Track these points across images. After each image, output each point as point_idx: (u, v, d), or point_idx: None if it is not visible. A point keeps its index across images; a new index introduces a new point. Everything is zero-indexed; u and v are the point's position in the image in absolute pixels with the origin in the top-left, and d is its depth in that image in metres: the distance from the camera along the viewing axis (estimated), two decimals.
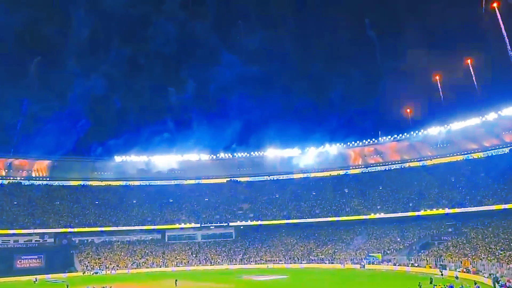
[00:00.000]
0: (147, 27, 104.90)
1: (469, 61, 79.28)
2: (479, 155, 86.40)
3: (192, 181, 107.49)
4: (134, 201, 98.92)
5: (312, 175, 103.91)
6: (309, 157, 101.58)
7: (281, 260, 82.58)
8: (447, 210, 76.04)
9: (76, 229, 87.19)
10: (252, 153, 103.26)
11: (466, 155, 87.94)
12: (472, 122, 78.81)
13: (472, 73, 78.49)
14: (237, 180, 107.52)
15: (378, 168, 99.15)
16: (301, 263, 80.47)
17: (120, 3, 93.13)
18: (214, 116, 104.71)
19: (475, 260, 58.41)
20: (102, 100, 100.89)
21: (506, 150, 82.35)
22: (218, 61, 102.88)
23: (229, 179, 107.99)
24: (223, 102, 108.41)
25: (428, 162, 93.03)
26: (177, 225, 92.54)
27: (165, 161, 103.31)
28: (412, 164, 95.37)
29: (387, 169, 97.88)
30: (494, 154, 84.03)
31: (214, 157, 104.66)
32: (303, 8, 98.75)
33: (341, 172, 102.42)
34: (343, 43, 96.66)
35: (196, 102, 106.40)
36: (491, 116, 75.56)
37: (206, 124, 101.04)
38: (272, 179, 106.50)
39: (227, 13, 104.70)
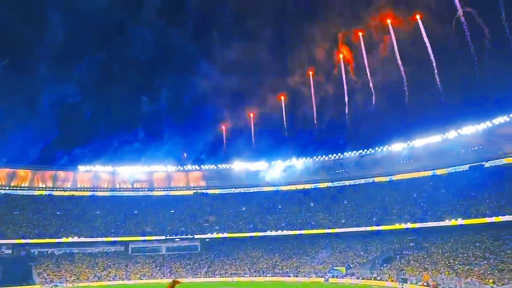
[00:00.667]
0: (119, 34, 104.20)
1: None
2: (440, 172, 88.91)
3: (158, 193, 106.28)
4: (98, 212, 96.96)
5: (279, 188, 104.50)
6: (276, 171, 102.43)
7: (246, 273, 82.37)
8: (409, 225, 77.83)
9: (35, 240, 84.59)
10: (219, 165, 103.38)
11: (428, 172, 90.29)
12: (433, 139, 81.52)
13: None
14: (203, 193, 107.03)
15: (344, 183, 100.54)
16: (266, 276, 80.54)
17: (93, 8, 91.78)
18: (183, 127, 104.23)
19: (435, 274, 59.99)
20: (69, 108, 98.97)
21: (466, 167, 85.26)
22: (190, 72, 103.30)
23: (195, 191, 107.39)
24: (192, 113, 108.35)
25: (392, 178, 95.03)
26: (141, 237, 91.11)
27: (131, 172, 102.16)
28: (376, 179, 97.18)
29: (352, 184, 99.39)
30: (454, 171, 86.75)
31: (181, 168, 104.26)
32: (279, 20, 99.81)
33: (307, 186, 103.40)
34: (316, 58, 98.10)
35: (165, 113, 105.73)
36: (452, 134, 78.49)
37: (174, 136, 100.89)
38: (239, 192, 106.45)
39: (201, 23, 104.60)
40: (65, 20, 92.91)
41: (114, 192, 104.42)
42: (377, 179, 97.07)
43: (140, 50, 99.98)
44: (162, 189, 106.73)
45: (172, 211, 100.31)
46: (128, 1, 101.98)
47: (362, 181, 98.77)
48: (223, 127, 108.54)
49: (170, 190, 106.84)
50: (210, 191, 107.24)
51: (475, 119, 74.67)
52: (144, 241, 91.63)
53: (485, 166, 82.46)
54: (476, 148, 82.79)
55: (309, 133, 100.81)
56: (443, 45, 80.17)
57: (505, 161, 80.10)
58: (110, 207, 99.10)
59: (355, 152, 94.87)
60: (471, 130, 76.04)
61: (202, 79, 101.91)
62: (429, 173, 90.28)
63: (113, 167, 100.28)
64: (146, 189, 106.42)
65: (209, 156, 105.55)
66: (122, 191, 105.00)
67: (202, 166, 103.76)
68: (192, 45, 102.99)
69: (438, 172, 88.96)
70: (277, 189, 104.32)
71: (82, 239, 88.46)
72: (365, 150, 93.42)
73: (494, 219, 67.10)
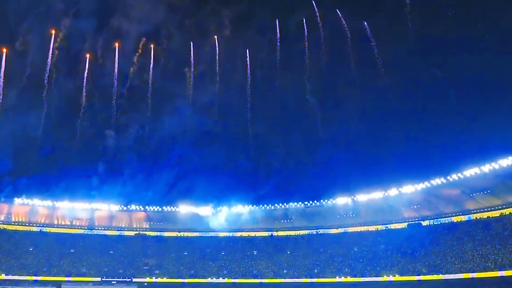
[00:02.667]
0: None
1: None
2: (381, 227, 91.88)
3: (99, 232, 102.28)
4: (31, 249, 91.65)
5: (223, 234, 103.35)
6: (221, 217, 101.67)
7: None
8: (349, 279, 79.15)
9: None
10: (164, 207, 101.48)
11: (369, 227, 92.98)
12: (376, 195, 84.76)
13: None
14: (146, 234, 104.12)
15: (288, 233, 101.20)
16: None
17: None
18: (130, 166, 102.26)
19: None
20: (9, 137, 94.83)
21: (405, 224, 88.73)
22: (143, 112, 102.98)
23: (137, 232, 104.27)
24: (142, 153, 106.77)
25: (335, 231, 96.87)
26: (75, 278, 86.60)
27: (71, 208, 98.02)
28: (320, 231, 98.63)
29: (296, 234, 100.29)
30: (394, 228, 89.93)
31: (125, 208, 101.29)
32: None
33: (252, 234, 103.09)
34: (282, 107, 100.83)
35: (113, 151, 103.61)
36: (393, 191, 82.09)
37: (119, 174, 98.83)
38: (182, 235, 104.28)
39: None
40: None
41: (51, 228, 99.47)
42: (320, 231, 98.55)
43: None
44: (103, 228, 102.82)
45: (111, 252, 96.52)
46: None
47: (306, 232, 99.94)
48: (169, 168, 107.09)
49: (111, 230, 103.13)
50: (152, 233, 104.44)
51: (415, 179, 78.73)
52: (77, 282, 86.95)
53: (423, 224, 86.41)
54: (415, 206, 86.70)
55: (256, 181, 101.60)
56: None
57: (441, 220, 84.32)
58: (45, 244, 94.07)
59: (300, 203, 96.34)
60: (411, 189, 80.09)
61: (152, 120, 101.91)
62: (371, 228, 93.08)
63: (52, 202, 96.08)
64: (86, 227, 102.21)
65: (154, 197, 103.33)
66: (60, 227, 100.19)
67: (147, 207, 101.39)
68: None
69: (379, 227, 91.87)
70: (221, 235, 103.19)
71: (10, 277, 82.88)
72: (311, 202, 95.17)
73: (429, 277, 69.60)
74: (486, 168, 69.90)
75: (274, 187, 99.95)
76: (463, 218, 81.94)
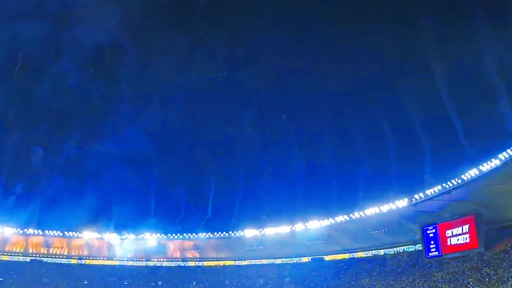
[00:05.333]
0: None
1: None
2: (286, 261, 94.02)
3: None
4: None
5: (127, 263, 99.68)
6: (127, 244, 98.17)
7: None
8: None
9: None
10: (66, 232, 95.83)
11: (275, 260, 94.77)
12: (283, 229, 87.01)
13: None
14: (42, 260, 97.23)
15: (195, 264, 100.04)
16: None
17: None
18: (28, 186, 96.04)
19: None
20: None
21: (309, 259, 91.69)
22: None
23: (33, 258, 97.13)
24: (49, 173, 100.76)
25: (242, 263, 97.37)
26: None
27: None
28: (227, 263, 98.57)
29: (203, 265, 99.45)
30: (299, 261, 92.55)
31: (21, 231, 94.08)
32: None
33: (158, 264, 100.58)
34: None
35: (13, 168, 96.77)
36: (299, 226, 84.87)
37: (16, 194, 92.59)
38: (83, 263, 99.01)
39: None
40: None
41: None
42: (228, 263, 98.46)
43: None
44: None
45: (1, 279, 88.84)
46: None
47: (214, 263, 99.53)
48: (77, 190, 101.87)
49: (3, 255, 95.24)
50: (49, 259, 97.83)
51: (319, 215, 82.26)
52: None
53: (325, 259, 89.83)
54: (319, 241, 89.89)
55: (167, 208, 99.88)
56: None
57: (342, 256, 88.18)
58: None
59: (209, 233, 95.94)
60: (316, 224, 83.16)
61: None
62: (277, 261, 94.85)
63: None
64: None
65: (56, 220, 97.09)
66: None
67: (46, 232, 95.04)
68: None
69: (285, 261, 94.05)
70: (125, 263, 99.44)
71: None
72: (220, 233, 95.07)
73: None
74: (385, 208, 74.74)
75: (184, 217, 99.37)
76: (362, 254, 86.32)
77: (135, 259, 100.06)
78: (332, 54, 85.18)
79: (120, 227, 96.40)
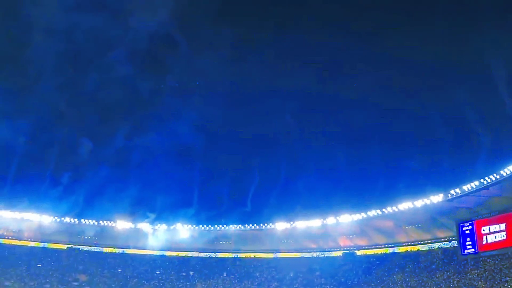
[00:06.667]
0: None
1: None
2: (317, 255, 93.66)
3: (26, 243, 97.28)
4: None
5: (160, 253, 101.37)
6: (159, 234, 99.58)
7: None
8: None
9: None
10: (100, 221, 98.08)
11: (306, 253, 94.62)
12: (314, 223, 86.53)
13: None
14: (78, 248, 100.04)
15: (226, 255, 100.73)
16: None
17: None
18: (65, 176, 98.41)
19: None
20: None
21: (340, 253, 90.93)
22: None
23: (70, 246, 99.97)
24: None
25: (272, 255, 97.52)
26: None
27: None
28: (257, 255, 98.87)
29: (233, 256, 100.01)
30: (329, 255, 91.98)
31: (58, 220, 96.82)
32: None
33: (189, 254, 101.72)
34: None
35: (45, 157, 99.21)
36: (330, 220, 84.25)
37: (54, 183, 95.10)
38: (117, 252, 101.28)
39: None
40: None
41: None
42: (258, 255, 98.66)
43: None
44: (31, 240, 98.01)
45: (39, 265, 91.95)
46: None
47: (244, 255, 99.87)
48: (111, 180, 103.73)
49: (41, 242, 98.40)
50: (85, 247, 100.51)
51: (351, 210, 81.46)
52: None
53: (357, 254, 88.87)
54: (351, 236, 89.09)
55: (198, 200, 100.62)
56: None
57: (374, 251, 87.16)
58: None
59: (240, 225, 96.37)
60: (347, 219, 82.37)
61: None
62: (307, 254, 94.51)
63: None
64: (12, 237, 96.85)
65: (89, 209, 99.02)
66: None
67: (82, 220, 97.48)
68: None
69: (316, 254, 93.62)
70: (158, 253, 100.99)
71: None
72: (250, 225, 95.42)
73: None
74: (419, 203, 73.30)
75: (215, 208, 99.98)
76: (395, 249, 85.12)
77: (167, 249, 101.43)
78: (376, 51, 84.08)
79: (153, 217, 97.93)
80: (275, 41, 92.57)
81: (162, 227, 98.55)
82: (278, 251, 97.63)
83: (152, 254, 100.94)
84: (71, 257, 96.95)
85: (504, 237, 65.03)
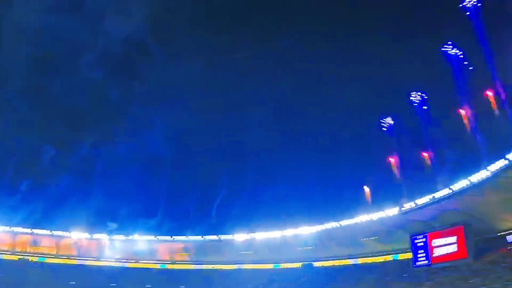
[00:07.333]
0: None
1: None
2: (275, 266, 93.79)
3: None
4: None
5: (117, 264, 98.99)
6: (117, 245, 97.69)
7: None
8: None
9: None
10: (55, 232, 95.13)
11: (265, 265, 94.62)
12: (273, 235, 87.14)
13: None
14: (29, 259, 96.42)
15: (184, 266, 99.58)
16: None
17: None
18: (23, 184, 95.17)
19: None
20: None
21: (299, 264, 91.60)
22: None
23: (22, 257, 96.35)
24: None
25: (231, 267, 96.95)
26: None
27: None
28: (216, 266, 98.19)
29: (192, 268, 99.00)
30: (288, 267, 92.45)
31: (10, 230, 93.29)
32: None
33: (147, 265, 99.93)
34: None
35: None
36: (290, 232, 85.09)
37: (9, 192, 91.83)
38: (72, 263, 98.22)
39: None
40: None
41: None
42: (218, 267, 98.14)
43: None
44: None
45: None
46: None
47: (203, 266, 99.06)
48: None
49: None
50: (37, 259, 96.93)
51: (310, 222, 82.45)
52: None
53: (315, 265, 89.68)
54: (309, 247, 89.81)
55: (158, 210, 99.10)
56: None
57: (332, 263, 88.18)
58: None
59: (199, 236, 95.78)
60: (306, 230, 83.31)
61: None
62: (266, 266, 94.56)
63: None
64: None
65: (44, 218, 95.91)
66: None
67: (34, 230, 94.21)
68: None
69: (274, 266, 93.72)
70: (115, 264, 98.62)
71: None
72: (210, 236, 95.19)
73: None
74: (375, 216, 74.96)
75: (175, 218, 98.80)
76: (352, 261, 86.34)
77: (124, 260, 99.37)
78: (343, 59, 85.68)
79: (112, 227, 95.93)
80: (244, 51, 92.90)
81: (120, 238, 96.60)
82: (238, 262, 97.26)
83: (110, 266, 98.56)
84: (22, 268, 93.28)
85: (456, 249, 67.27)
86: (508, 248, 63.02)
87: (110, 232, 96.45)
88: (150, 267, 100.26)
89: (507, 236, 63.93)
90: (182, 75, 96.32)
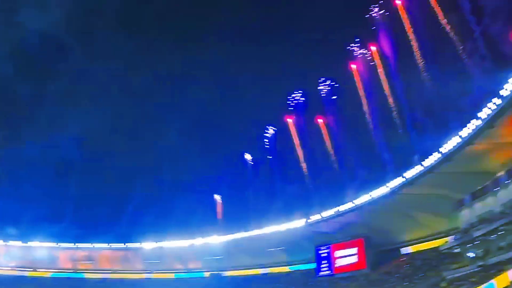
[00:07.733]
0: None
1: None
2: (185, 275, 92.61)
3: None
4: None
5: (12, 272, 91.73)
6: (12, 251, 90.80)
7: None
8: None
9: None
10: None
11: (170, 274, 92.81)
12: (182, 243, 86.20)
13: None
14: None
15: (88, 276, 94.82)
16: None
17: None
18: None
19: None
20: None
21: (208, 274, 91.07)
22: None
23: None
24: None
25: (138, 276, 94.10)
26: None
27: None
28: (123, 276, 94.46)
29: (96, 277, 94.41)
30: (197, 276, 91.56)
31: None
32: None
33: (46, 274, 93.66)
34: None
35: None
36: (199, 241, 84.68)
37: None
38: None
39: None
40: None
41: None
42: (126, 276, 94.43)
43: None
44: None
45: None
46: None
47: (111, 276, 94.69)
48: None
49: None
50: None
51: (219, 231, 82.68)
52: None
53: (224, 275, 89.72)
54: (219, 257, 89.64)
55: (59, 215, 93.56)
56: None
57: (240, 272, 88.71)
58: None
59: (106, 244, 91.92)
60: (215, 240, 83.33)
61: None
62: (175, 275, 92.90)
63: None
64: None
65: None
66: None
67: None
68: None
69: (183, 275, 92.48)
70: (10, 273, 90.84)
71: None
72: (117, 244, 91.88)
73: None
74: (283, 227, 76.83)
75: (79, 226, 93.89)
76: (260, 271, 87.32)
77: (21, 269, 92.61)
78: None
79: (5, 232, 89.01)
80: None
81: (16, 244, 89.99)
82: (146, 271, 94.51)
83: (3, 274, 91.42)
84: None
85: (356, 260, 70.84)
86: (401, 259, 67.55)
87: (6, 238, 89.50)
88: (51, 276, 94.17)
89: (400, 249, 68.56)
90: (99, 77, 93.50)
